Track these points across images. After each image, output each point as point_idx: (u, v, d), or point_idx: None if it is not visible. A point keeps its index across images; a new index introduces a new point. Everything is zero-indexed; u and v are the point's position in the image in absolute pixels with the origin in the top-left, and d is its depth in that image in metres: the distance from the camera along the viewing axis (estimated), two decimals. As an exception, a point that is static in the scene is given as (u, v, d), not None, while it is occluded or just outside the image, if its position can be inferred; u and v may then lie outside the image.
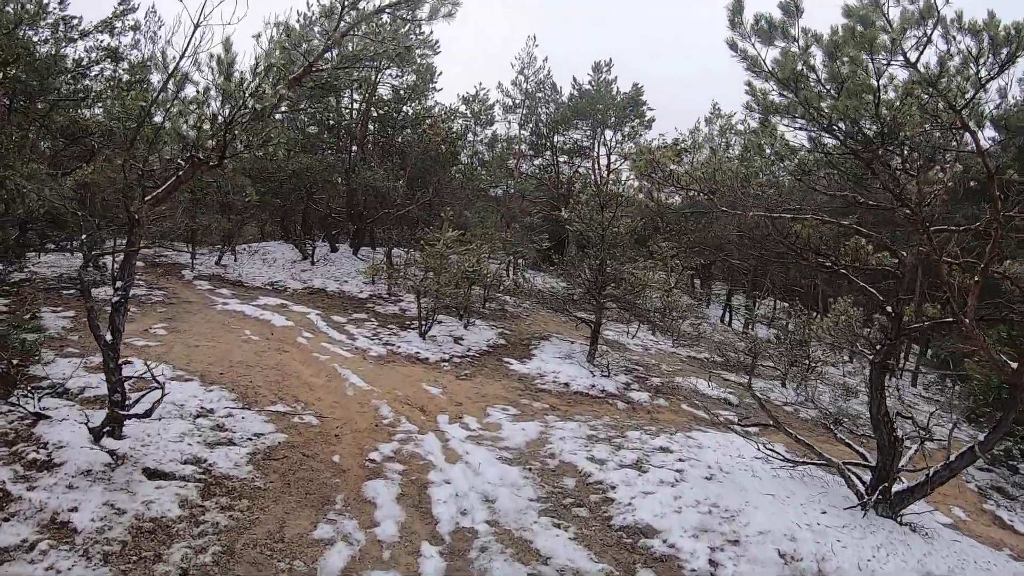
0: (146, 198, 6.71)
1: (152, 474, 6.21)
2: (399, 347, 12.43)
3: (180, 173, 6.75)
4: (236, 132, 6.02)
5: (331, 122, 21.90)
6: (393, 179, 20.33)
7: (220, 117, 6.03)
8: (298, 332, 12.31)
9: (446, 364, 11.90)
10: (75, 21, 15.08)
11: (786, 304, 25.91)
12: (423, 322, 13.41)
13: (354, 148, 22.25)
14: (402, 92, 22.44)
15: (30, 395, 7.78)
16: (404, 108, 22.81)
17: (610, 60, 28.40)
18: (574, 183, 29.70)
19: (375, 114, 22.95)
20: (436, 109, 23.72)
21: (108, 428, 6.50)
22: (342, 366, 10.57)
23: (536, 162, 31.06)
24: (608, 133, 29.24)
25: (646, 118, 28.66)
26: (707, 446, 8.67)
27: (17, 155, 11.75)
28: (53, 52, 14.43)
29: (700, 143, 27.55)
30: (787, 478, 7.66)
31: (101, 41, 15.61)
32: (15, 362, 8.98)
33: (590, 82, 28.53)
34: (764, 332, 23.20)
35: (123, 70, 16.36)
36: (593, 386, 11.64)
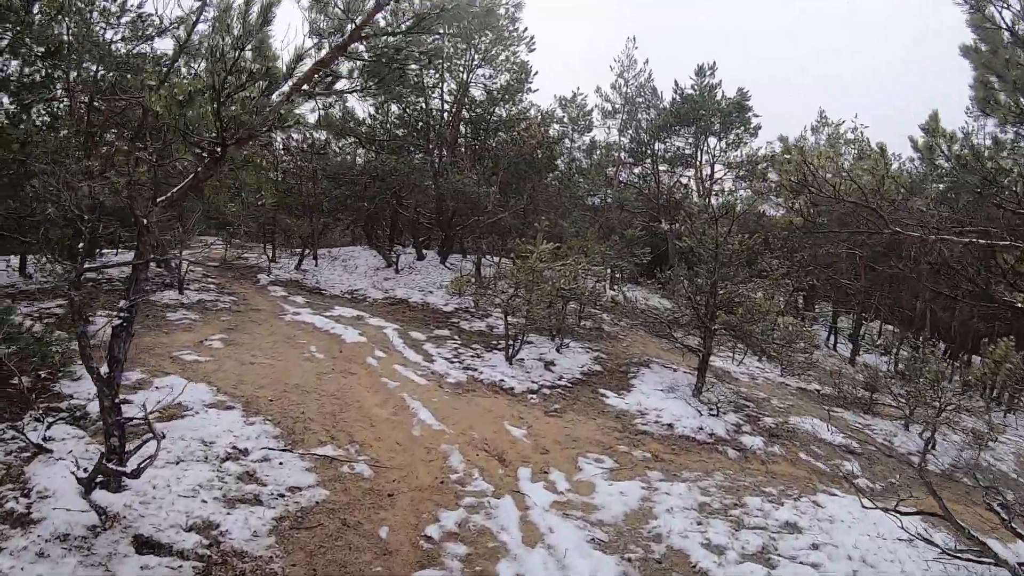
0: (158, 199, 5.33)
1: (144, 544, 4.76)
2: (481, 372, 10.77)
3: (199, 170, 5.35)
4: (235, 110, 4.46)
5: (420, 123, 20.68)
6: (485, 184, 18.83)
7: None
8: (370, 350, 10.87)
9: (533, 396, 10.12)
10: (152, 18, 14.52)
11: (891, 328, 23.56)
12: (511, 345, 11.69)
13: (444, 151, 20.94)
14: (495, 92, 20.98)
15: (41, 420, 6.60)
16: (497, 109, 21.36)
17: (714, 63, 26.10)
18: (675, 193, 27.82)
19: (466, 116, 21.62)
20: (532, 111, 22.18)
21: (99, 480, 5.09)
22: (413, 395, 9.00)
23: (636, 171, 29.23)
24: (712, 140, 26.94)
25: (752, 125, 26.29)
26: (840, 519, 6.84)
27: (79, 154, 11.13)
28: (131, 50, 13.91)
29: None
30: (941, 573, 5.51)
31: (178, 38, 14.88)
32: (41, 375, 7.96)
33: (693, 86, 26.32)
34: (873, 359, 20.29)
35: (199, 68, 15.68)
36: (701, 428, 9.60)
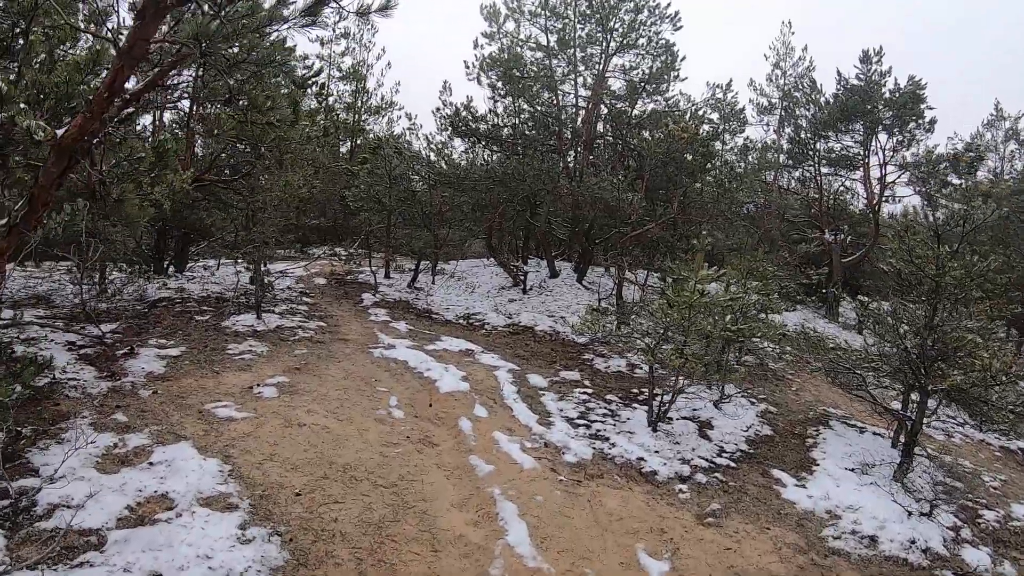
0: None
1: None
2: (614, 445, 7.70)
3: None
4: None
5: (550, 120, 17.81)
6: (627, 190, 15.62)
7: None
8: (468, 406, 8.13)
9: (683, 486, 6.93)
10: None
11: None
12: (656, 407, 8.46)
13: (579, 151, 17.94)
14: (637, 81, 17.70)
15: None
16: (639, 103, 18.09)
17: (880, 48, 21.22)
18: (839, 199, 23.56)
19: (604, 111, 18.52)
20: (681, 103, 18.71)
21: None
22: (509, 490, 6.13)
23: (795, 174, 25.04)
24: (882, 137, 22.07)
25: (926, 119, 21.14)
26: None
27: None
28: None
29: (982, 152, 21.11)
30: None
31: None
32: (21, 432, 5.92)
33: (857, 76, 21.62)
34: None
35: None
36: (912, 543, 6.29)
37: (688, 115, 17.77)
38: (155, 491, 5.31)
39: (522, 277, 16.25)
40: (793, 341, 12.54)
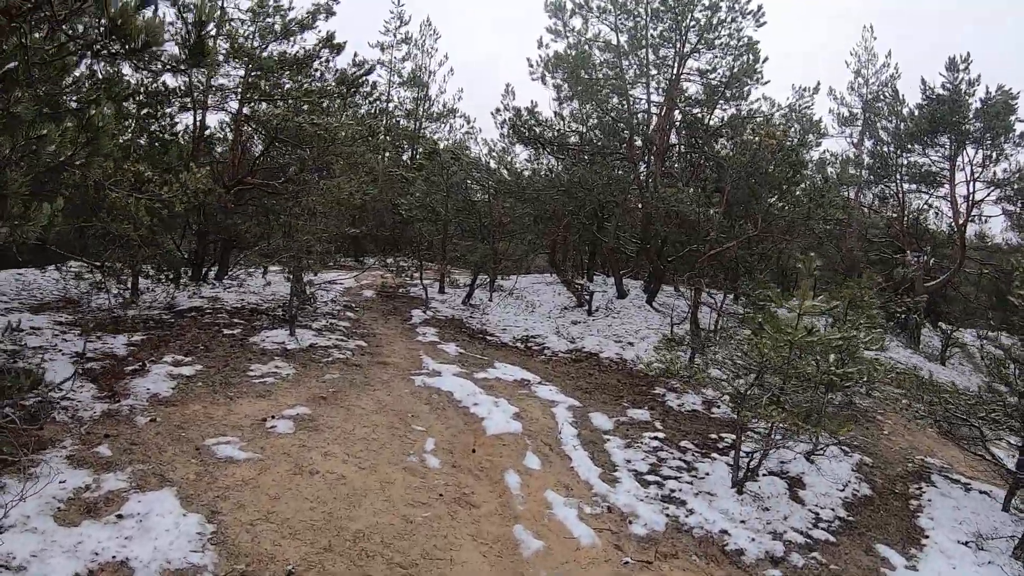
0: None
1: None
2: (691, 512, 6.27)
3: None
4: None
5: (620, 126, 16.33)
6: (705, 203, 14.00)
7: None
8: (518, 453, 6.78)
9: (775, 572, 5.43)
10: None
11: None
12: (743, 464, 6.93)
13: (651, 160, 16.39)
14: (715, 83, 16.04)
15: None
16: (717, 106, 16.41)
17: (967, 55, 18.91)
18: (921, 218, 21.65)
19: (678, 118, 16.91)
20: (764, 108, 16.92)
21: None
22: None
23: (874, 190, 23.01)
24: (971, 151, 19.66)
25: (1016, 132, 18.72)
26: None
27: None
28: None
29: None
30: None
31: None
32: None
33: (943, 85, 19.32)
34: None
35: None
36: None
37: (771, 121, 16.02)
38: (113, 556, 4.21)
39: (587, 297, 14.83)
40: (898, 381, 10.69)
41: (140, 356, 7.70)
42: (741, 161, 14.17)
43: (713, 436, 8.40)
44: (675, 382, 10.43)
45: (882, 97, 21.61)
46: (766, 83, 16.21)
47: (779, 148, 14.69)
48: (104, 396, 6.54)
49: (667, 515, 6.10)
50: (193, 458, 5.53)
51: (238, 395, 7.07)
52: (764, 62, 15.95)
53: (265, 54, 11.88)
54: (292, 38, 12.27)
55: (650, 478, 6.90)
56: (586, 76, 15.15)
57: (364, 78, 12.58)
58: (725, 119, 16.59)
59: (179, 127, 11.75)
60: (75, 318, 8.41)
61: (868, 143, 22.31)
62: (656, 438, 8.05)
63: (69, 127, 3.98)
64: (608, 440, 7.70)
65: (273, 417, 6.56)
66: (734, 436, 8.34)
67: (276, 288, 12.67)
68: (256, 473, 5.41)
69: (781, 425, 6.82)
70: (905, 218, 21.01)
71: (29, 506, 4.53)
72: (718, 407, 9.53)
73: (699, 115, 16.87)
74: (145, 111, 11.34)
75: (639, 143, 16.26)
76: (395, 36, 23.78)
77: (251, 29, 12.11)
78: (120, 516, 4.64)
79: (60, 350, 7.46)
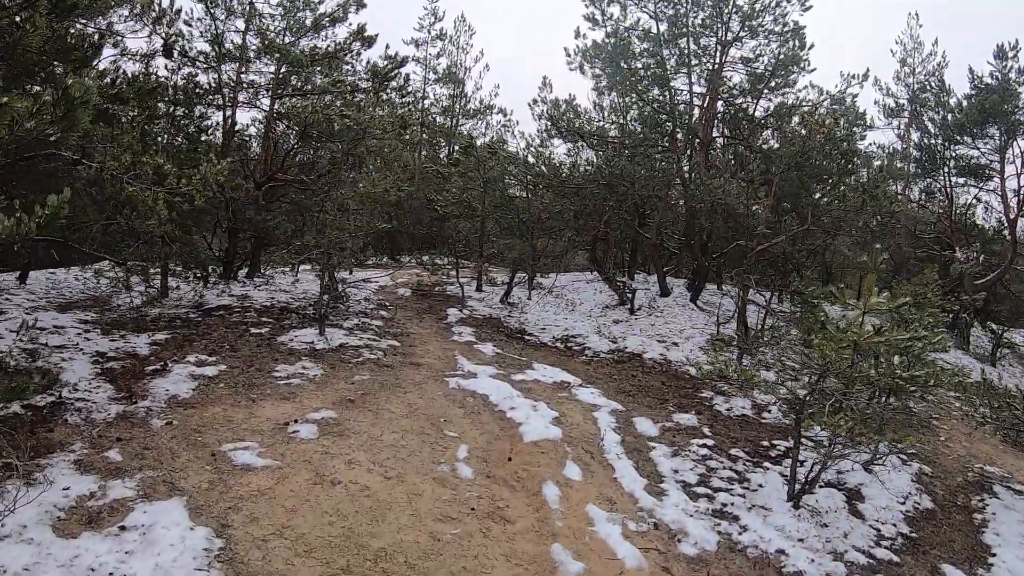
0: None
1: None
2: (744, 528, 5.71)
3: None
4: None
5: (663, 117, 15.61)
6: (751, 196, 13.21)
7: None
8: (558, 462, 6.24)
9: None
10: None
11: None
12: (800, 477, 6.27)
13: (695, 153, 15.62)
14: (760, 71, 15.22)
15: None
16: (762, 94, 15.57)
17: (1016, 43, 17.65)
18: (969, 213, 20.35)
19: (721, 108, 16.12)
20: (812, 97, 16.01)
21: None
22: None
23: (921, 184, 21.88)
24: (1021, 143, 18.46)
25: None
26: None
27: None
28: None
29: None
30: None
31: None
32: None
33: (992, 73, 18.07)
34: None
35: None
36: None
37: (819, 110, 15.11)
38: (110, 573, 3.83)
39: (629, 295, 14.19)
40: (954, 384, 9.85)
41: (162, 356, 7.40)
42: (790, 152, 13.37)
43: (765, 443, 7.76)
44: (723, 385, 9.75)
45: (929, 87, 20.69)
46: (812, 71, 15.39)
47: (829, 138, 13.85)
48: (121, 397, 6.23)
49: (719, 532, 5.50)
50: (208, 465, 5.14)
51: (261, 397, 6.69)
52: (810, 48, 15.12)
53: (296, 50, 11.61)
54: (323, 32, 11.99)
55: (699, 490, 6.30)
56: (625, 66, 14.53)
57: (396, 71, 12.18)
58: (770, 109, 15.79)
59: (209, 123, 11.56)
60: (97, 316, 8.15)
61: (915, 135, 21.30)
62: (704, 445, 7.43)
63: (47, 100, 3.57)
64: (654, 447, 7.10)
65: (296, 421, 6.15)
66: (787, 443, 7.70)
67: (308, 286, 12.37)
68: (273, 482, 4.99)
69: (842, 435, 6.14)
70: (953, 213, 19.99)
71: (28, 514, 4.20)
72: (768, 412, 8.87)
73: (743, 105, 16.09)
74: (181, 110, 11.19)
75: (681, 135, 15.55)
76: (429, 32, 23.49)
77: (281, 24, 11.86)
78: (123, 528, 4.27)
79: (81, 349, 7.20)
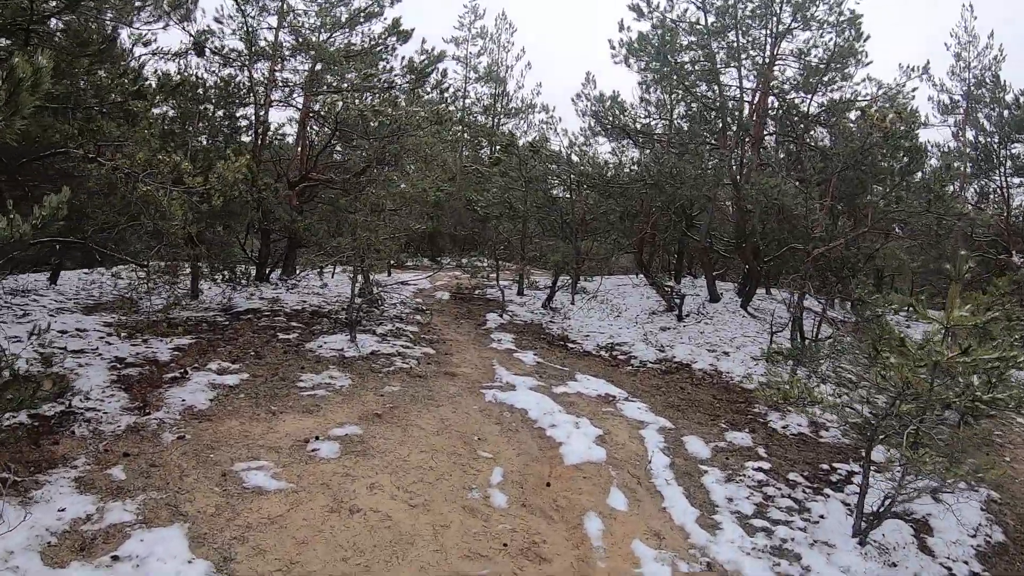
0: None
1: None
2: (806, 569, 5.15)
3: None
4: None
5: (713, 113, 14.77)
6: (807, 196, 12.30)
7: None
8: (601, 490, 5.63)
9: None
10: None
11: None
12: (868, 512, 5.53)
13: (746, 150, 14.75)
14: (815, 63, 14.25)
15: None
16: (816, 89, 14.59)
17: None
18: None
19: (772, 104, 15.19)
20: (870, 91, 14.95)
21: None
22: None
23: (974, 185, 20.63)
24: None
25: None
26: None
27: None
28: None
29: None
30: None
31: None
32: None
33: None
34: None
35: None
36: None
37: (877, 106, 14.08)
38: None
39: (677, 300, 13.44)
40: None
41: (183, 362, 7.04)
42: (851, 149, 12.44)
43: (824, 466, 7.02)
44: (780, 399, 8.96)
45: (984, 83, 19.52)
46: (869, 63, 14.37)
47: (891, 134, 12.83)
48: (134, 407, 5.85)
49: (778, 574, 4.80)
50: (217, 486, 4.70)
51: (282, 410, 6.24)
52: (867, 40, 14.10)
53: (332, 48, 11.26)
54: (357, 27, 11.61)
55: (756, 523, 5.60)
56: (672, 60, 13.80)
57: (433, 66, 11.72)
58: (825, 104, 14.82)
59: (242, 123, 11.29)
60: (122, 319, 7.85)
61: (970, 133, 20.10)
62: (760, 469, 6.71)
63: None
64: (706, 472, 6.41)
65: (317, 438, 5.67)
66: (848, 467, 6.96)
67: (342, 289, 12.00)
68: (286, 509, 4.51)
69: (924, 471, 5.37)
70: (1009, 215, 18.74)
71: (17, 539, 3.82)
72: (827, 430, 8.09)
73: (795, 100, 15.17)
74: (221, 111, 10.95)
75: (731, 132, 14.71)
76: (470, 31, 23.08)
77: (315, 21, 11.51)
78: (115, 558, 3.84)
79: (100, 354, 6.89)
